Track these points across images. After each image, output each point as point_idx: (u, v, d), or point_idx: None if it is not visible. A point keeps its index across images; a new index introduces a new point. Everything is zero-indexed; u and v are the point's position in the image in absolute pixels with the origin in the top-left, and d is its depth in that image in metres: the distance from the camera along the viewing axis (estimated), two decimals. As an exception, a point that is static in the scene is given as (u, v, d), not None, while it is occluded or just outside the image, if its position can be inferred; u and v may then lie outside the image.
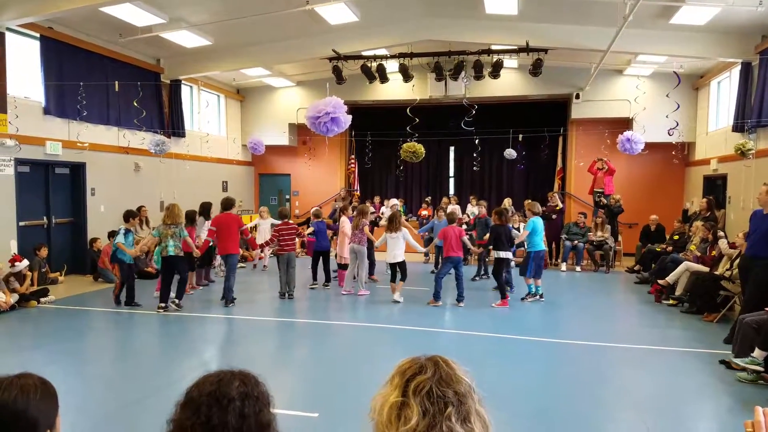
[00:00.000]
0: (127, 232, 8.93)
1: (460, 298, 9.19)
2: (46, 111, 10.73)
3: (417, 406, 1.25)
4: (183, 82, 14.58)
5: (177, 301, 8.75)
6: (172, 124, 14.18)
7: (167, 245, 8.57)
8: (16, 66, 10.23)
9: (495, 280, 9.65)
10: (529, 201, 10.21)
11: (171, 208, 8.79)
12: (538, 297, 9.62)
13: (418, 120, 13.30)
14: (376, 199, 17.67)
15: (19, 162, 10.12)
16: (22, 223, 10.28)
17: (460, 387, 1.29)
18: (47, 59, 10.69)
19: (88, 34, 11.51)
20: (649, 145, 12.99)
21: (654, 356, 6.65)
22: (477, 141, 15.88)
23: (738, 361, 5.68)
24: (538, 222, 9.74)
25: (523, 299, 9.57)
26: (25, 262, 9.32)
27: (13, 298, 8.55)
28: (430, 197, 16.84)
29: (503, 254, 9.32)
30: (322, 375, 5.89)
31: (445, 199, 15.48)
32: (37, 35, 10.50)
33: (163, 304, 8.55)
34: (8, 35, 9.86)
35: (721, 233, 9.50)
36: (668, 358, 6.52)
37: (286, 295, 9.60)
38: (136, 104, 12.25)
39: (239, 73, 15.47)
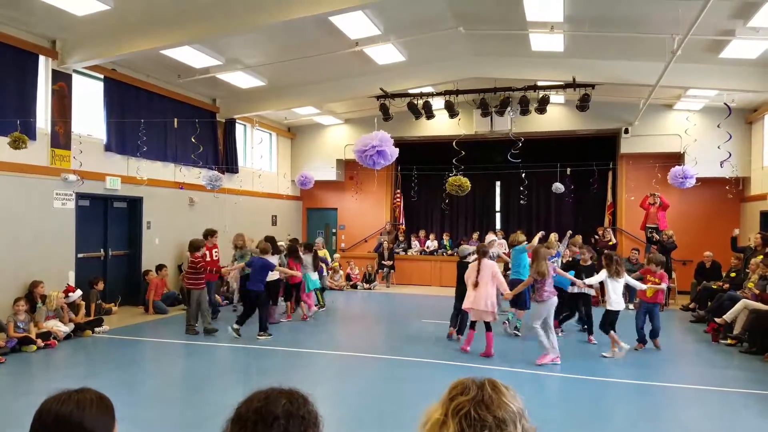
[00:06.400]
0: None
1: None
2: (107, 148, 11.26)
3: (454, 426, 1.25)
4: (237, 120, 15.12)
5: None
6: (226, 160, 14.65)
7: None
8: (81, 105, 10.82)
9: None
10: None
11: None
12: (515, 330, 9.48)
13: (463, 153, 13.29)
14: (422, 233, 17.64)
15: (80, 196, 10.60)
16: (80, 255, 10.70)
17: (502, 413, 1.26)
18: (110, 99, 11.27)
19: (148, 75, 12.11)
20: (701, 180, 12.62)
21: (713, 397, 6.37)
22: (524, 175, 15.72)
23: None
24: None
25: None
26: (78, 293, 9.66)
27: (69, 327, 8.88)
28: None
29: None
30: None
31: (490, 233, 15.28)
32: (101, 76, 11.12)
33: None
34: (75, 77, 10.49)
35: (787, 269, 9.09)
36: (728, 400, 6.22)
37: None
38: (193, 140, 12.70)
39: (290, 112, 15.91)
